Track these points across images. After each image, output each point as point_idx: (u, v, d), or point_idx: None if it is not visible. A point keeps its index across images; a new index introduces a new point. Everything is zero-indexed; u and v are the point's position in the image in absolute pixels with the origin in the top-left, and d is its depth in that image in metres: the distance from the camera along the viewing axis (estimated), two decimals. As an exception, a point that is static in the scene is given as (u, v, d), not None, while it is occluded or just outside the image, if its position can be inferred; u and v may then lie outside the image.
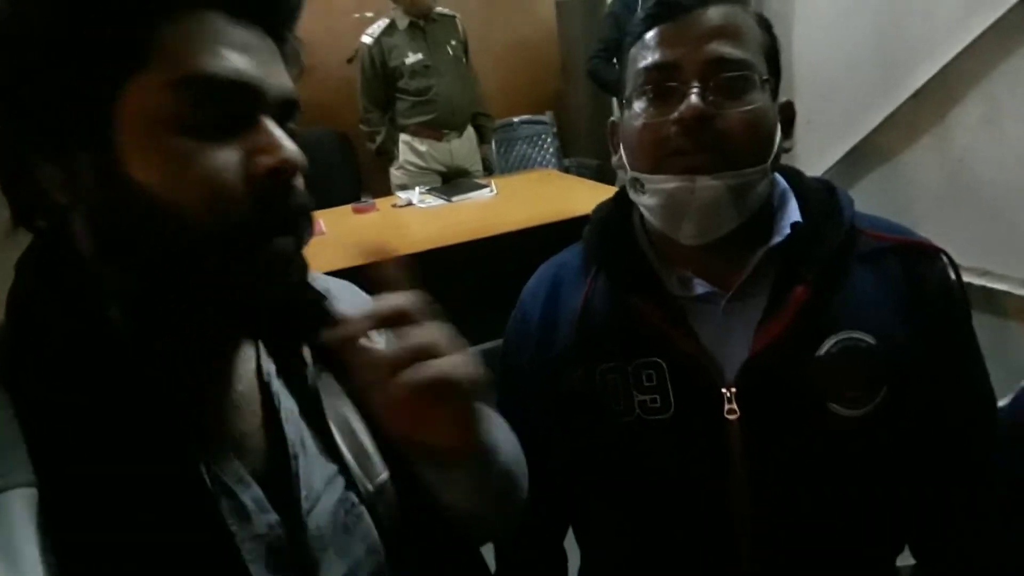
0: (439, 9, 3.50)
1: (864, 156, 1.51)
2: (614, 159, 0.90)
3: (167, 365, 0.52)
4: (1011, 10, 1.23)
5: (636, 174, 0.84)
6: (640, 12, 0.86)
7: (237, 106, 0.51)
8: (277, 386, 0.62)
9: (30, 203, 0.53)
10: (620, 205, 0.94)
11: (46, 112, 0.49)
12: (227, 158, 0.50)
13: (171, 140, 0.49)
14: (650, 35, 0.83)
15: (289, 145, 0.51)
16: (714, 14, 0.81)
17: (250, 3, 0.52)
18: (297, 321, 0.56)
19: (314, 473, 0.61)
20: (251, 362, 0.61)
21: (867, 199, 1.50)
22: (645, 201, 0.84)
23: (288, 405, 0.62)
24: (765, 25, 0.85)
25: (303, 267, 0.54)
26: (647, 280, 0.87)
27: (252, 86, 0.51)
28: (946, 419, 0.84)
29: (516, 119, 4.26)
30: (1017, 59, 1.27)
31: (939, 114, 1.38)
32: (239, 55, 0.51)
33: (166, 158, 0.49)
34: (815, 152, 1.56)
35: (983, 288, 1.36)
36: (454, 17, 3.59)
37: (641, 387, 0.84)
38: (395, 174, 3.61)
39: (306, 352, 0.64)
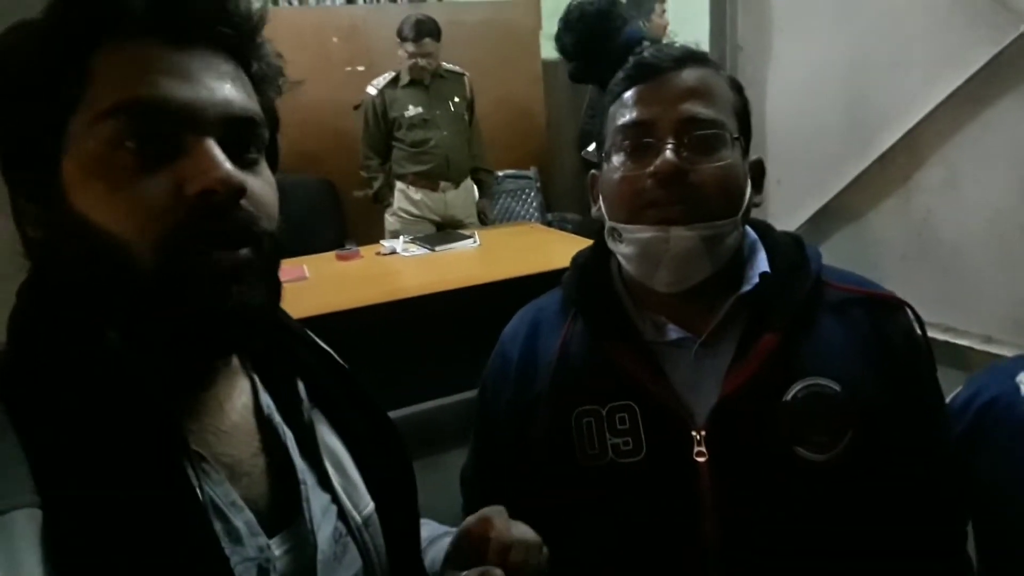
0: (448, 66, 3.63)
1: (833, 215, 1.56)
2: (594, 210, 0.94)
3: (157, 389, 0.52)
4: (968, 81, 1.30)
5: (614, 224, 0.88)
6: (620, 73, 0.91)
7: (168, 131, 0.51)
8: (278, 419, 0.64)
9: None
10: (598, 253, 0.98)
11: (6, 155, 0.52)
12: (158, 184, 0.50)
13: (106, 170, 0.50)
14: (628, 94, 0.89)
15: (222, 168, 0.51)
16: (688, 76, 0.87)
17: (178, 27, 0.52)
18: (248, 334, 0.56)
19: (313, 501, 0.63)
20: (246, 395, 0.63)
21: (836, 256, 1.55)
22: (622, 250, 0.88)
23: (288, 439, 0.64)
24: (736, 87, 0.91)
25: (260, 287, 0.55)
26: (622, 325, 0.91)
27: (183, 110, 0.51)
28: (911, 466, 0.87)
29: (501, 173, 4.34)
30: (974, 127, 1.34)
31: (903, 177, 1.45)
32: (170, 80, 0.51)
33: (102, 188, 0.50)
34: (786, 211, 1.62)
35: (947, 343, 1.40)
36: (463, 75, 3.72)
37: (615, 430, 0.87)
38: (389, 220, 3.72)
39: (300, 388, 0.67)
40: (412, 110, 3.56)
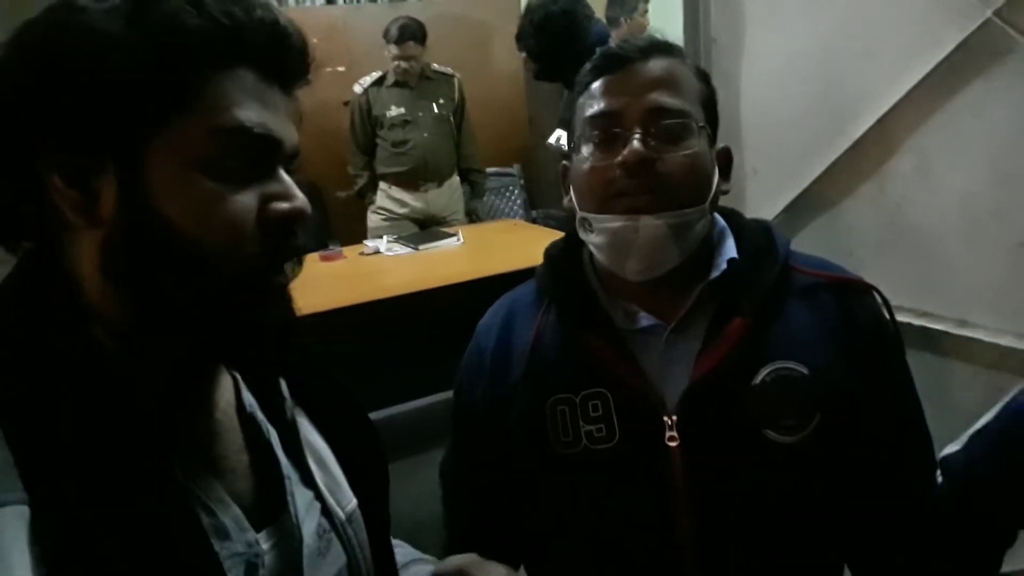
0: (437, 67, 3.64)
1: (809, 204, 1.58)
2: (565, 200, 0.95)
3: (149, 388, 0.54)
4: (936, 68, 1.32)
5: (584, 214, 0.89)
6: (588, 64, 0.92)
7: (260, 156, 0.57)
8: (261, 417, 0.66)
9: (22, 223, 0.56)
10: (570, 244, 0.99)
11: (82, 137, 0.52)
12: (246, 202, 0.55)
13: (200, 181, 0.53)
14: (596, 85, 0.90)
15: (300, 194, 0.58)
16: (654, 66, 0.88)
17: (276, 66, 0.58)
18: (285, 348, 0.61)
19: (297, 497, 0.65)
20: (228, 393, 0.65)
21: (813, 243, 1.57)
22: (593, 239, 0.89)
23: (272, 436, 0.66)
24: (703, 77, 0.92)
25: (292, 301, 0.60)
26: (594, 314, 0.92)
27: (275, 139, 0.57)
28: (880, 447, 0.88)
29: (485, 171, 4.33)
30: (945, 113, 1.35)
31: (876, 164, 1.46)
32: (266, 110, 0.56)
33: (193, 197, 0.53)
34: (763, 200, 1.63)
35: (922, 328, 1.42)
36: (452, 77, 3.73)
37: (588, 417, 0.88)
38: (372, 217, 3.75)
39: (283, 386, 0.69)
40: (394, 110, 3.59)
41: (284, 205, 0.56)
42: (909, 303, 1.44)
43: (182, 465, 0.55)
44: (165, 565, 0.50)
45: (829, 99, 1.52)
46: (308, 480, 0.67)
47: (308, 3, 4.64)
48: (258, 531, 0.60)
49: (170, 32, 0.52)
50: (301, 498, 0.65)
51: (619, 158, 0.84)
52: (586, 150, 0.89)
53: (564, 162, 0.97)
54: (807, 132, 1.57)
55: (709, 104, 0.91)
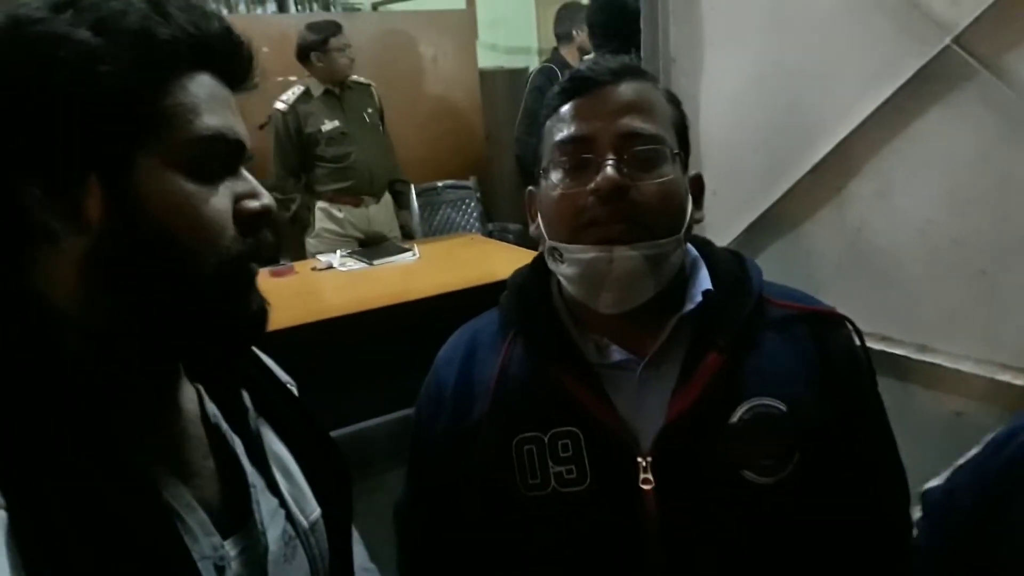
0: (354, 77, 3.53)
1: (768, 226, 1.57)
2: (532, 228, 0.91)
3: (115, 394, 0.57)
4: (896, 93, 1.31)
5: (554, 243, 0.85)
6: (556, 87, 0.88)
7: (230, 157, 0.60)
8: (226, 427, 0.68)
9: None
10: (537, 271, 0.94)
11: (68, 151, 0.53)
12: (223, 201, 0.59)
13: (183, 184, 0.56)
14: (565, 109, 0.86)
15: (266, 192, 0.62)
16: (626, 90, 0.85)
17: (233, 71, 0.61)
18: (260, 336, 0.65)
19: (262, 505, 0.67)
20: (192, 403, 0.67)
21: (771, 267, 1.55)
22: (563, 271, 0.85)
23: (237, 444, 0.68)
24: (674, 101, 0.89)
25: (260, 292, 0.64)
26: (564, 347, 0.88)
27: (241, 141, 0.61)
28: (857, 482, 0.86)
29: (440, 184, 4.30)
30: (905, 138, 1.35)
31: (836, 188, 1.45)
32: (227, 112, 0.60)
33: (178, 199, 0.56)
34: (723, 222, 1.61)
35: (883, 353, 1.41)
36: (369, 85, 3.63)
37: (557, 458, 0.84)
38: (311, 242, 3.56)
39: (245, 398, 0.72)
40: (328, 124, 3.43)
41: (255, 203, 0.60)
42: (869, 327, 1.42)
43: (151, 470, 0.57)
44: (142, 566, 0.52)
45: (789, 121, 1.51)
46: (273, 488, 0.69)
47: (260, 11, 4.54)
48: (225, 537, 0.61)
49: (144, 41, 0.54)
50: (266, 505, 0.67)
51: (592, 185, 0.81)
52: (556, 176, 0.85)
53: (530, 188, 0.92)
54: (767, 154, 1.56)
55: (681, 129, 0.88)
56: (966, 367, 1.32)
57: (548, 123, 0.88)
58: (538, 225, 0.90)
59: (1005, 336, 1.28)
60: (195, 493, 0.61)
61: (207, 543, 0.59)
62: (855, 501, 0.86)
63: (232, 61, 0.61)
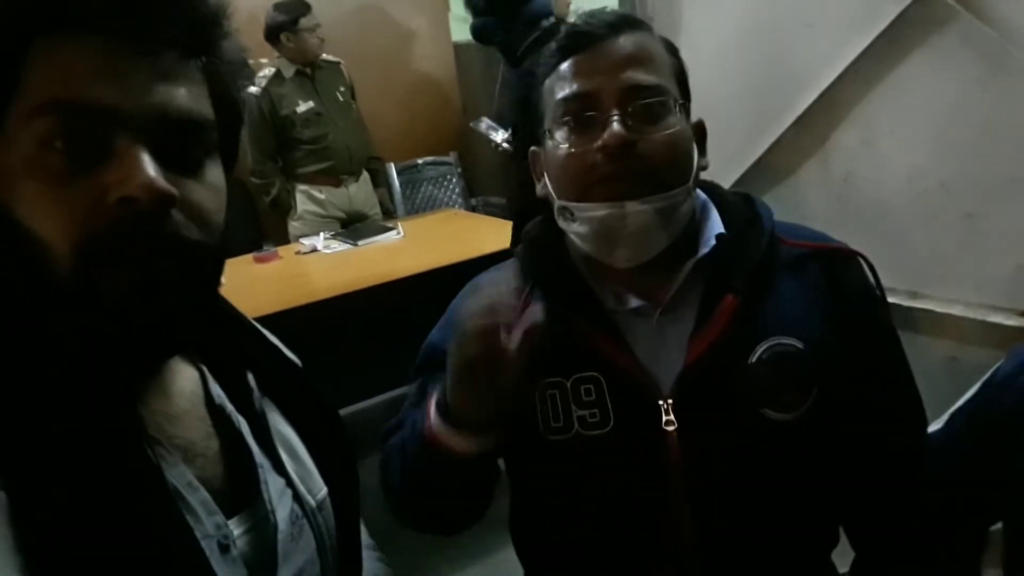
0: (324, 56, 3.47)
1: (755, 180, 1.56)
2: (538, 188, 0.90)
3: (113, 373, 0.53)
4: (877, 40, 1.31)
5: (564, 203, 0.84)
6: (553, 44, 0.86)
7: (96, 134, 0.49)
8: (230, 408, 0.65)
9: None
10: (549, 225, 0.93)
11: None
12: (83, 188, 0.49)
13: (35, 168, 0.49)
14: (565, 66, 0.84)
15: (144, 174, 0.49)
16: (626, 42, 0.83)
17: (130, 27, 0.50)
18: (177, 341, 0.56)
19: (270, 484, 0.65)
20: (191, 383, 0.64)
21: (761, 222, 1.54)
22: (575, 229, 0.85)
23: (242, 424, 0.66)
24: (672, 50, 0.88)
25: (182, 299, 0.53)
26: (582, 296, 0.88)
27: (110, 113, 0.49)
28: (875, 415, 0.87)
29: (420, 160, 4.25)
30: (888, 85, 1.35)
31: (822, 138, 1.45)
32: (101, 81, 0.49)
33: (30, 186, 0.49)
34: (711, 179, 1.60)
35: (874, 301, 1.41)
36: (338, 63, 3.56)
37: (580, 402, 0.84)
38: (294, 225, 3.50)
39: (250, 378, 0.68)
40: (303, 105, 3.36)
41: (117, 191, 0.48)
42: (860, 277, 1.43)
43: (151, 450, 0.55)
44: (143, 544, 0.50)
45: (772, 74, 1.51)
46: (279, 468, 0.67)
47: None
48: (231, 517, 0.60)
49: None
50: (273, 485, 0.65)
51: (599, 142, 0.79)
52: (561, 135, 0.84)
53: (534, 148, 0.91)
54: (751, 109, 1.55)
55: (682, 78, 0.87)
56: (957, 311, 1.33)
57: (548, 82, 0.86)
58: (545, 184, 0.88)
59: (994, 277, 1.29)
60: (198, 474, 0.59)
61: (210, 522, 0.58)
62: (873, 431, 0.87)
63: (120, 14, 0.50)
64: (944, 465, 0.86)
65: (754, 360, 0.82)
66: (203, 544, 0.55)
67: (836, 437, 0.84)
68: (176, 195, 0.50)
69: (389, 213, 3.77)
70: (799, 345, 0.82)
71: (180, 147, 0.52)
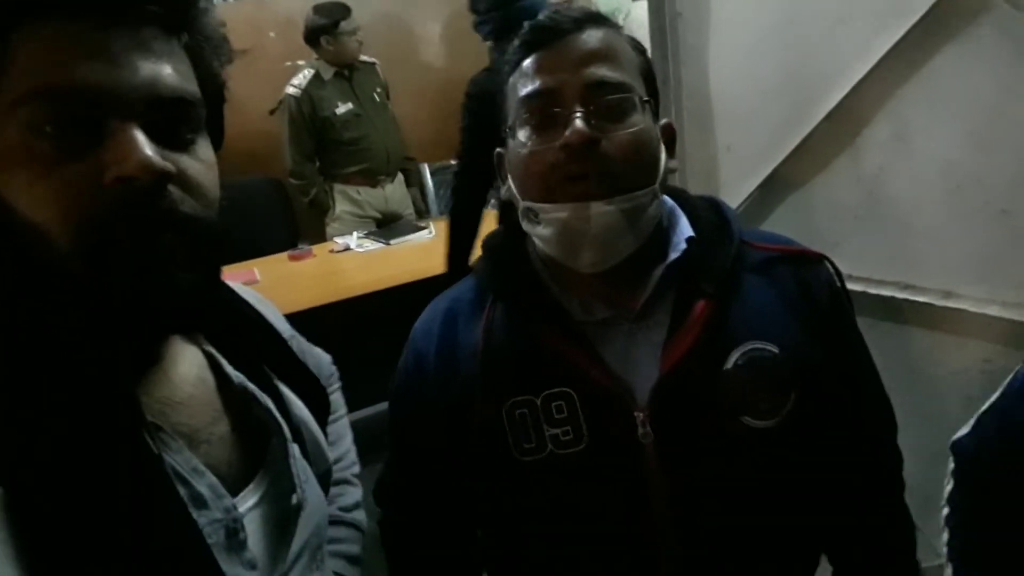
0: (360, 57, 3.50)
1: (785, 178, 1.54)
2: (503, 190, 0.88)
3: (111, 361, 0.53)
4: (909, 32, 1.27)
5: (528, 203, 0.82)
6: (516, 40, 0.85)
7: (87, 116, 0.49)
8: (253, 388, 0.67)
9: None
10: (512, 232, 0.91)
11: None
12: (78, 171, 0.49)
13: (26, 156, 0.48)
14: (527, 62, 0.82)
15: (141, 153, 0.49)
16: (589, 38, 0.81)
17: (108, 7, 0.50)
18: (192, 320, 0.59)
19: (298, 462, 0.67)
20: (195, 367, 0.64)
21: (790, 218, 1.52)
22: (540, 232, 0.82)
23: (268, 402, 0.67)
24: (639, 48, 0.86)
25: (187, 272, 0.53)
26: (548, 307, 0.86)
27: (102, 94, 0.49)
28: (848, 418, 0.86)
29: (454, 161, 4.25)
30: (921, 78, 1.31)
31: (852, 134, 1.42)
32: (88, 63, 0.49)
33: (22, 174, 0.48)
34: (738, 177, 1.59)
35: (906, 301, 1.38)
36: (374, 64, 3.60)
37: (552, 420, 0.82)
38: (333, 226, 3.54)
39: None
40: (342, 107, 3.40)
41: (113, 171, 0.49)
42: (892, 276, 1.40)
43: (154, 438, 0.55)
44: (144, 536, 0.50)
45: (801, 69, 1.48)
46: (302, 446, 0.70)
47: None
48: (236, 494, 0.60)
49: None
50: (301, 463, 0.67)
51: (561, 140, 0.77)
52: (523, 134, 0.82)
53: (498, 149, 0.89)
54: (780, 105, 1.52)
55: (649, 76, 0.85)
56: (993, 311, 1.29)
57: (511, 79, 0.84)
58: (509, 187, 0.87)
59: (1032, 277, 1.24)
60: (204, 458, 0.59)
61: (219, 506, 0.58)
62: (847, 436, 0.86)
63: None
64: (974, 470, 0.84)
65: (730, 366, 0.80)
66: (210, 530, 0.56)
67: (816, 442, 0.82)
68: (173, 171, 0.51)
69: (422, 213, 3.79)
70: (774, 350, 0.81)
71: (170, 125, 0.53)
